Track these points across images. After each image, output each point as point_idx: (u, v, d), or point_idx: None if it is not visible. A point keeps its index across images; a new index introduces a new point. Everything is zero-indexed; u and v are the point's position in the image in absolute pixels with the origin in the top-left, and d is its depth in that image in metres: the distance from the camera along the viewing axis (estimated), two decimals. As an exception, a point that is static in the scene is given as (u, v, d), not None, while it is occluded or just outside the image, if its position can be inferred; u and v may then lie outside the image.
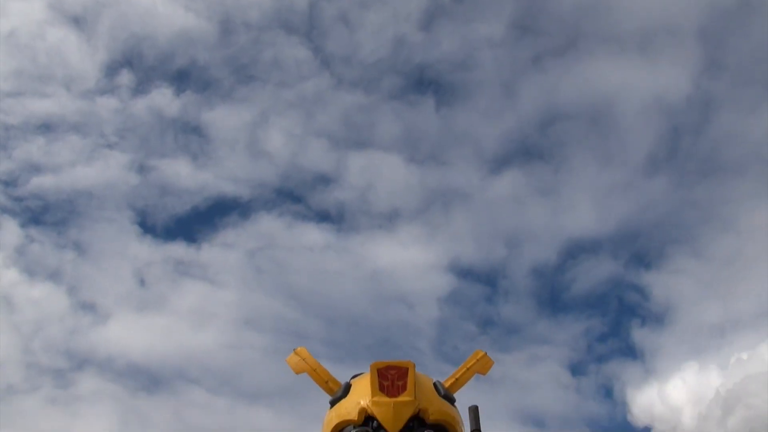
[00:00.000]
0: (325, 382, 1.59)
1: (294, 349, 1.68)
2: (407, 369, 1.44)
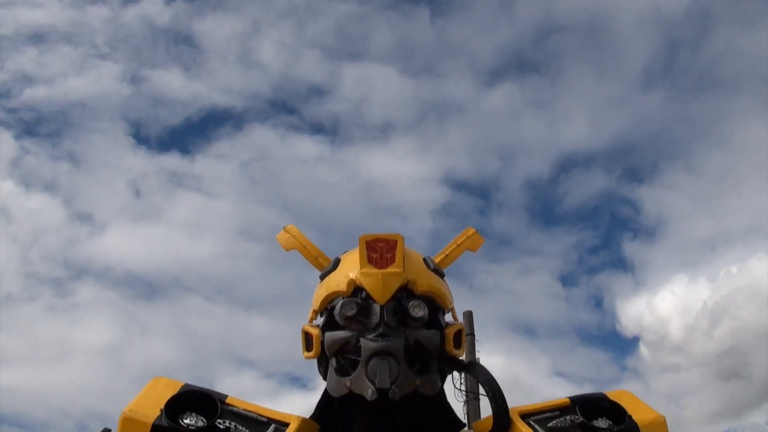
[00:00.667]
0: (315, 258, 1.57)
1: (284, 227, 1.65)
2: (396, 241, 1.42)
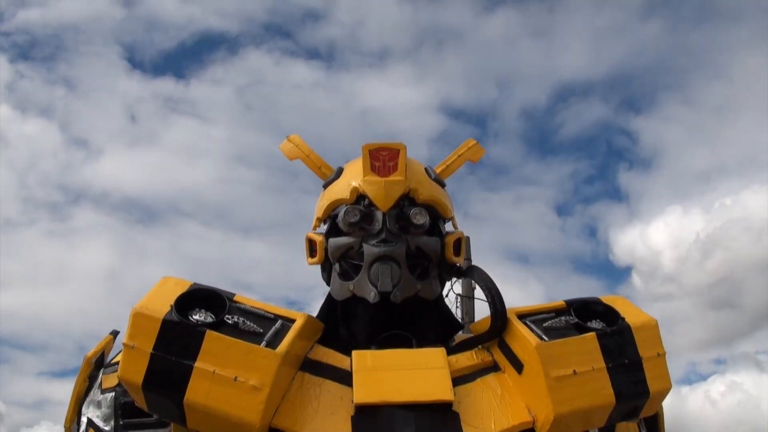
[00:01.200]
0: (318, 167, 1.60)
1: (287, 136, 1.67)
2: (398, 150, 1.45)
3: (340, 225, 1.44)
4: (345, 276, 1.45)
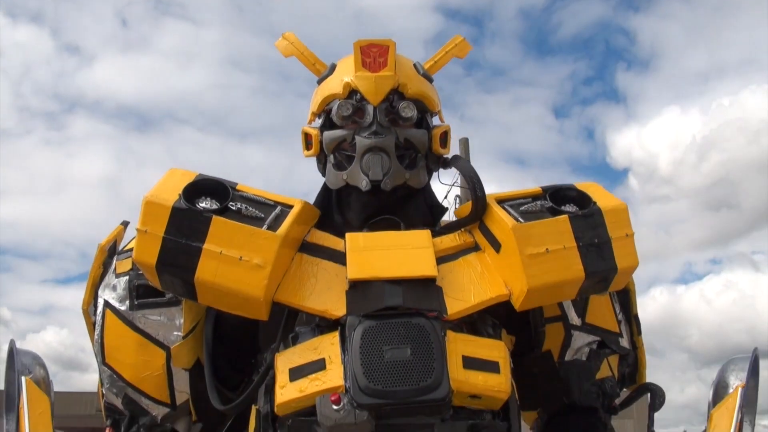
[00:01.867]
0: (312, 64, 1.68)
1: (282, 34, 1.74)
2: (388, 47, 1.53)
3: (334, 119, 1.54)
4: (339, 166, 1.55)
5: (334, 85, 1.55)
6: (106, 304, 1.61)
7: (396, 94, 1.52)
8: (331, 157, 1.57)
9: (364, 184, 1.49)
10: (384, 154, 1.48)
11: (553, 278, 1.40)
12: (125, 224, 1.77)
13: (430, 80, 1.64)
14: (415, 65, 1.63)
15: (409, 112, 1.51)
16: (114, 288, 1.61)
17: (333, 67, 1.62)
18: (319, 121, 1.62)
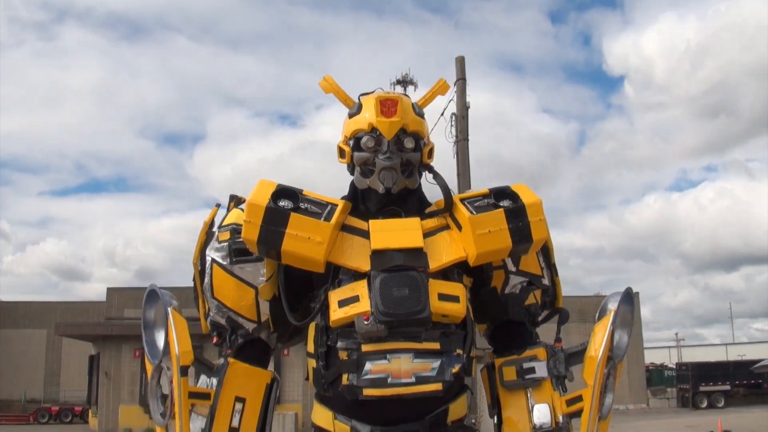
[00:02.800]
0: (344, 100, 2.49)
1: (323, 77, 2.57)
2: (398, 101, 2.39)
3: (362, 145, 2.41)
4: (364, 175, 2.44)
5: (362, 123, 2.41)
6: (213, 260, 2.49)
7: (402, 131, 2.38)
8: (358, 168, 2.45)
9: (381, 189, 2.39)
10: (393, 171, 2.37)
11: (493, 247, 2.32)
12: (218, 206, 2.65)
13: (422, 116, 2.50)
14: (413, 105, 2.49)
15: (409, 144, 2.39)
16: (218, 250, 2.49)
17: (359, 106, 2.46)
18: (351, 143, 2.47)
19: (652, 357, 56.30)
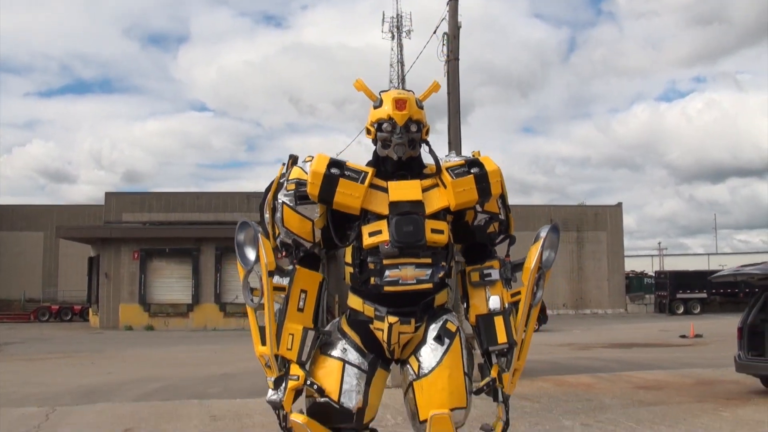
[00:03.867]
0: (371, 96, 3.43)
1: (357, 79, 3.76)
2: (406, 100, 3.57)
3: (383, 129, 3.58)
4: (384, 147, 3.61)
5: (383, 113, 3.56)
6: (283, 202, 3.65)
7: (409, 119, 3.56)
8: (380, 143, 3.61)
9: (395, 157, 3.58)
10: (403, 146, 3.55)
11: (466, 199, 3.56)
12: (284, 164, 3.85)
13: (422, 107, 3.71)
14: (416, 101, 3.68)
15: (414, 128, 3.53)
16: (286, 195, 3.56)
17: (381, 101, 3.62)
18: (375, 126, 3.66)
19: (635, 265, 58.88)
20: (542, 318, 29.29)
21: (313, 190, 3.36)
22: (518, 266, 3.60)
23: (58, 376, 12.60)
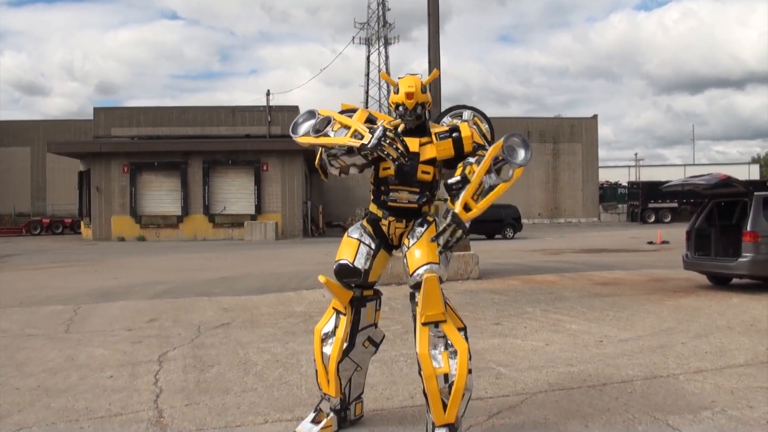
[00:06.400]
0: (392, 83, 4.51)
1: (381, 71, 4.74)
2: (414, 91, 4.48)
3: (399, 110, 4.57)
4: (400, 117, 4.62)
5: (398, 98, 4.47)
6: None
7: (417, 102, 4.54)
8: (395, 115, 4.60)
9: (406, 125, 4.59)
10: (412, 120, 4.51)
11: (445, 155, 4.56)
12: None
13: (425, 90, 4.66)
14: (422, 85, 4.65)
15: (420, 109, 4.49)
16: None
17: (397, 88, 4.61)
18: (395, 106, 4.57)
19: (612, 175, 60.25)
20: (517, 226, 30.80)
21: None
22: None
23: (70, 282, 13.63)
